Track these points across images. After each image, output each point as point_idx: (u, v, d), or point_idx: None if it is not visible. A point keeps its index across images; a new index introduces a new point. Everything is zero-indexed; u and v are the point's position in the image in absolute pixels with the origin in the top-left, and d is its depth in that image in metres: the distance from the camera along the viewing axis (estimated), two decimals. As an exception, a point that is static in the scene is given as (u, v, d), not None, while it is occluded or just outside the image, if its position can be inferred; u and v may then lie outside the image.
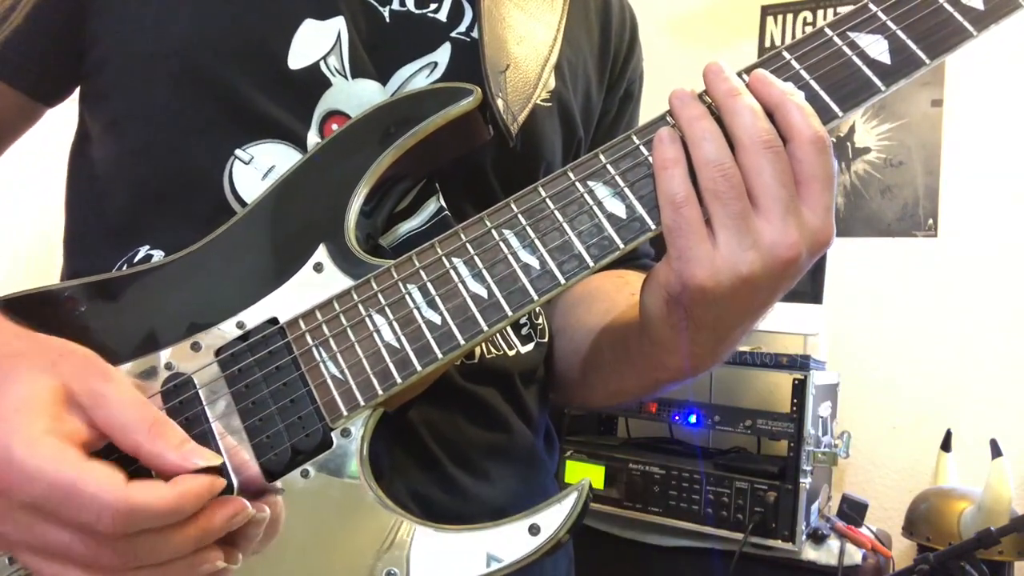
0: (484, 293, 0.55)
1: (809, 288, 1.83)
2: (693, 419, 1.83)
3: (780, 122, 0.53)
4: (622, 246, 0.54)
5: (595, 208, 0.55)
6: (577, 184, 0.56)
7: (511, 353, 0.73)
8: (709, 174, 0.53)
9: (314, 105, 0.64)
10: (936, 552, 1.50)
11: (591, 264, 0.54)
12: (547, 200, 0.56)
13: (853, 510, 1.75)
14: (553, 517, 0.52)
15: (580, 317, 0.78)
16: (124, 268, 0.64)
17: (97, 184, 0.68)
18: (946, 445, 1.98)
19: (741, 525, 1.67)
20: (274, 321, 0.57)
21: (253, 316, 0.57)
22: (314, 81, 0.64)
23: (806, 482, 1.66)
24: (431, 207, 0.66)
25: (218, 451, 0.53)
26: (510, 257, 0.55)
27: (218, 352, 0.56)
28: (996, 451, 1.74)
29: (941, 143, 2.16)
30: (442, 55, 0.67)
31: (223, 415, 0.54)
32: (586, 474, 1.85)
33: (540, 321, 0.78)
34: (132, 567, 0.45)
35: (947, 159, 2.16)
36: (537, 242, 0.55)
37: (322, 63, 0.64)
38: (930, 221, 2.16)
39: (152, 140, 0.65)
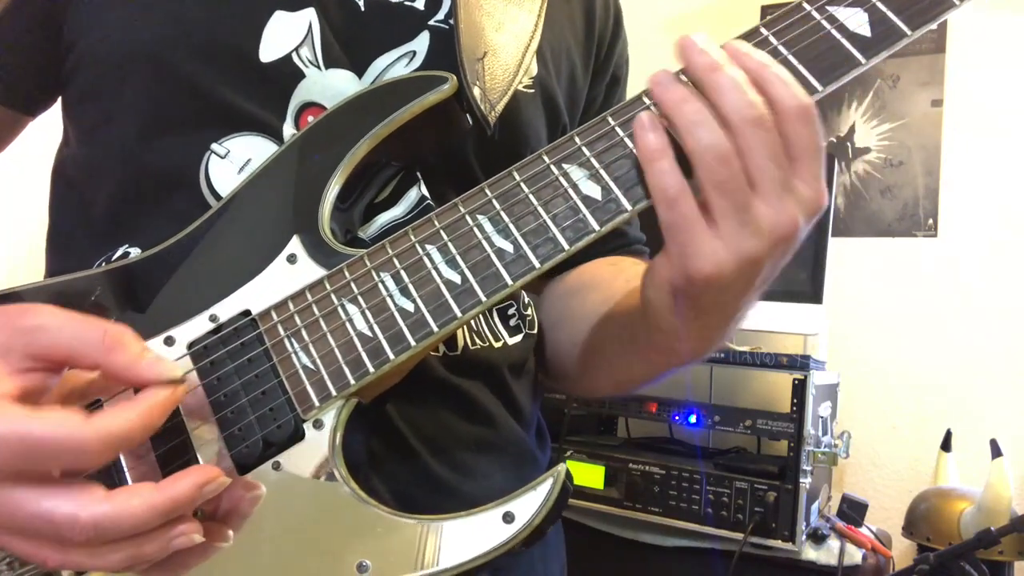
0: (457, 279, 0.54)
1: (809, 288, 1.83)
2: (693, 419, 1.83)
3: (762, 96, 0.51)
4: (598, 228, 0.53)
5: (570, 191, 0.54)
6: (552, 167, 0.55)
7: (497, 345, 0.71)
8: (708, 164, 0.50)
9: (288, 97, 0.63)
10: (936, 552, 1.50)
11: (566, 247, 0.53)
12: (521, 184, 0.55)
13: (853, 510, 1.75)
14: (528, 504, 0.51)
15: (576, 308, 0.77)
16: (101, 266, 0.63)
17: (79, 187, 0.69)
18: (946, 445, 1.98)
19: (741, 525, 1.67)
20: (247, 313, 0.56)
21: (226, 309, 0.57)
22: (287, 73, 0.63)
23: (806, 482, 1.65)
24: (412, 196, 0.65)
25: (190, 445, 0.53)
26: (484, 242, 0.54)
27: (191, 345, 0.56)
28: (996, 451, 1.74)
29: (941, 143, 2.16)
30: (420, 44, 0.66)
31: (195, 408, 0.54)
32: (586, 474, 1.84)
33: (529, 312, 0.77)
34: (101, 542, 0.43)
35: (947, 159, 2.15)
36: (511, 226, 0.54)
37: (294, 55, 0.63)
38: (930, 221, 2.16)
39: (129, 141, 0.65)
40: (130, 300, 0.59)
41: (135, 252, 0.63)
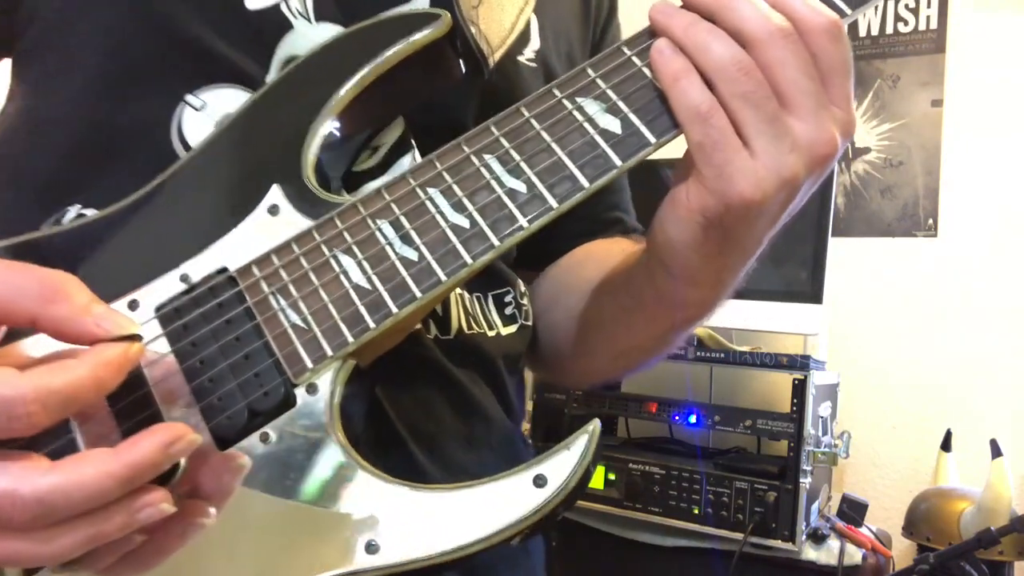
0: (466, 223, 0.49)
1: (809, 288, 1.83)
2: (693, 419, 1.83)
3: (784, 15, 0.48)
4: (619, 163, 0.49)
5: (586, 125, 0.50)
6: (564, 101, 0.51)
7: (491, 334, 0.67)
8: (730, 76, 0.47)
9: (273, 48, 0.58)
10: (936, 552, 1.50)
11: (586, 184, 0.49)
12: (531, 120, 0.51)
13: (853, 510, 1.75)
14: (562, 465, 0.46)
15: (572, 282, 0.72)
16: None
17: (17, 146, 0.62)
18: (946, 445, 1.98)
19: (741, 525, 1.67)
20: (224, 271, 0.51)
21: (199, 267, 0.51)
22: (274, 22, 0.58)
23: (806, 482, 1.65)
24: (406, 164, 0.60)
25: (160, 419, 0.46)
26: (493, 183, 0.50)
27: (159, 308, 0.50)
28: (996, 451, 1.74)
29: (941, 143, 2.16)
30: (420, 1, 0.61)
31: (164, 377, 0.47)
32: (586, 474, 1.84)
33: (526, 302, 0.72)
34: (49, 522, 0.36)
35: (947, 159, 2.15)
36: (523, 165, 0.50)
37: (283, 4, 0.59)
38: (930, 221, 2.16)
39: (88, 90, 0.59)
40: (87, 262, 0.52)
41: (90, 213, 0.56)
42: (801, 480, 1.65)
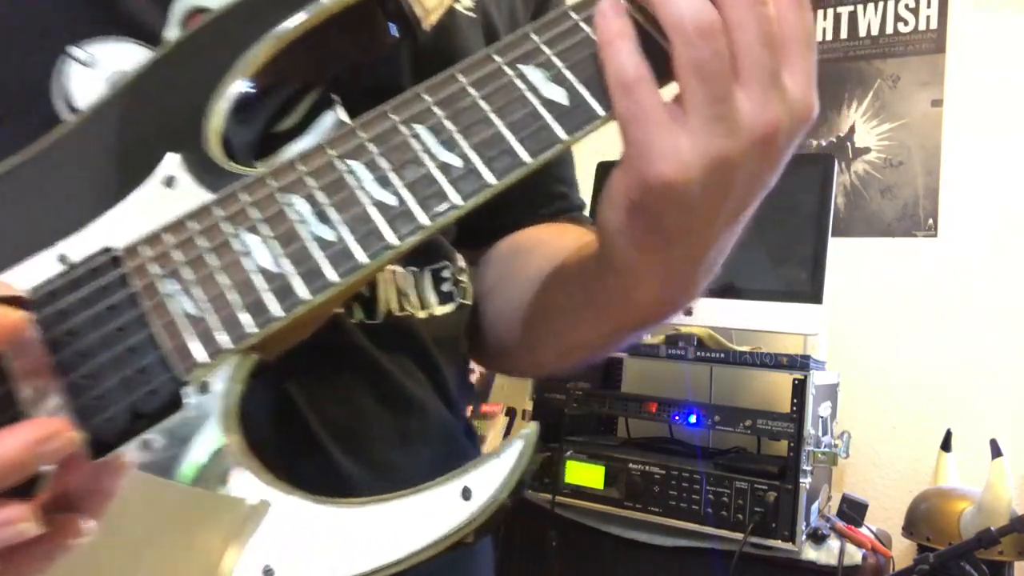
0: (392, 200, 0.44)
1: (809, 288, 1.83)
2: (693, 419, 1.83)
3: None
4: (565, 137, 0.44)
5: (529, 95, 0.45)
6: (505, 68, 0.45)
7: (423, 315, 0.61)
8: (689, 37, 0.41)
9: None
10: (936, 552, 1.50)
11: (527, 160, 0.44)
12: (468, 88, 0.45)
13: (853, 510, 1.75)
14: (491, 475, 0.41)
15: (518, 268, 0.66)
16: None
17: None
18: (946, 445, 1.98)
19: (741, 525, 1.67)
20: (108, 251, 0.45)
21: (80, 246, 0.45)
22: None
23: (806, 482, 1.65)
24: (328, 122, 0.52)
25: (22, 418, 0.40)
26: (424, 156, 0.44)
27: (34, 292, 0.44)
28: (996, 451, 1.74)
29: (941, 143, 2.16)
30: None
31: (32, 371, 0.41)
32: (586, 474, 1.84)
33: (464, 280, 0.66)
34: None
35: (947, 159, 2.15)
36: (458, 136, 0.45)
37: None
38: (930, 221, 2.16)
39: None
40: None
41: None
42: (801, 480, 1.65)
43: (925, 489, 1.92)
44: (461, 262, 0.67)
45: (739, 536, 1.66)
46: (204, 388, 0.43)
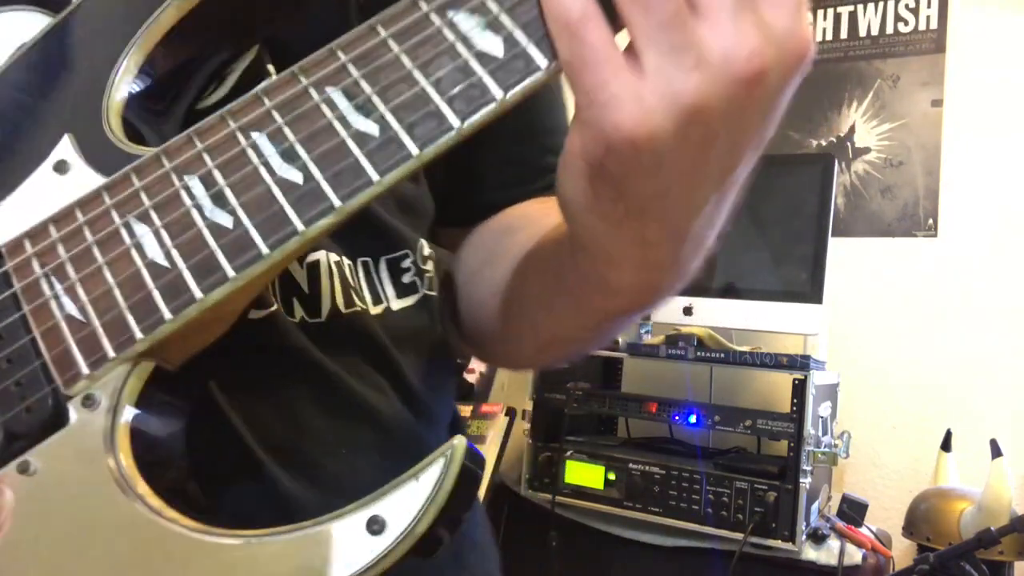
0: (298, 177, 0.38)
1: (809, 288, 1.83)
2: (693, 419, 1.83)
3: None
4: (500, 95, 0.37)
5: (459, 45, 0.37)
6: (432, 15, 0.38)
7: (376, 310, 0.55)
8: None
9: None
10: (936, 552, 1.50)
11: (456, 124, 0.37)
12: (388, 41, 0.38)
13: (853, 510, 1.75)
14: (406, 502, 0.34)
15: (499, 251, 0.59)
16: None
17: None
18: (946, 445, 1.98)
19: (741, 525, 1.67)
20: None
21: None
22: None
23: (806, 482, 1.65)
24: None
25: None
26: (337, 123, 0.38)
27: None
28: (996, 451, 1.74)
29: (941, 143, 2.16)
30: None
31: None
32: (586, 474, 1.84)
33: (429, 268, 0.59)
34: None
35: (947, 159, 2.15)
36: (375, 99, 0.38)
37: None
38: (930, 221, 2.16)
39: None
40: None
41: None
42: (801, 480, 1.65)
43: (925, 489, 1.92)
44: (426, 249, 0.60)
45: (739, 536, 1.66)
46: (89, 402, 0.37)
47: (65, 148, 0.42)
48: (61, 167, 0.42)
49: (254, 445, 0.48)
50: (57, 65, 0.44)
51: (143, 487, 0.36)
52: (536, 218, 0.58)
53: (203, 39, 0.45)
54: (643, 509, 1.78)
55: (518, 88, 0.37)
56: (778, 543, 1.65)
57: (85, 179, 0.41)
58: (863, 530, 1.76)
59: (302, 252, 0.41)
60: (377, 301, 0.55)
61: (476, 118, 0.37)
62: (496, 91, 0.37)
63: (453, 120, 0.37)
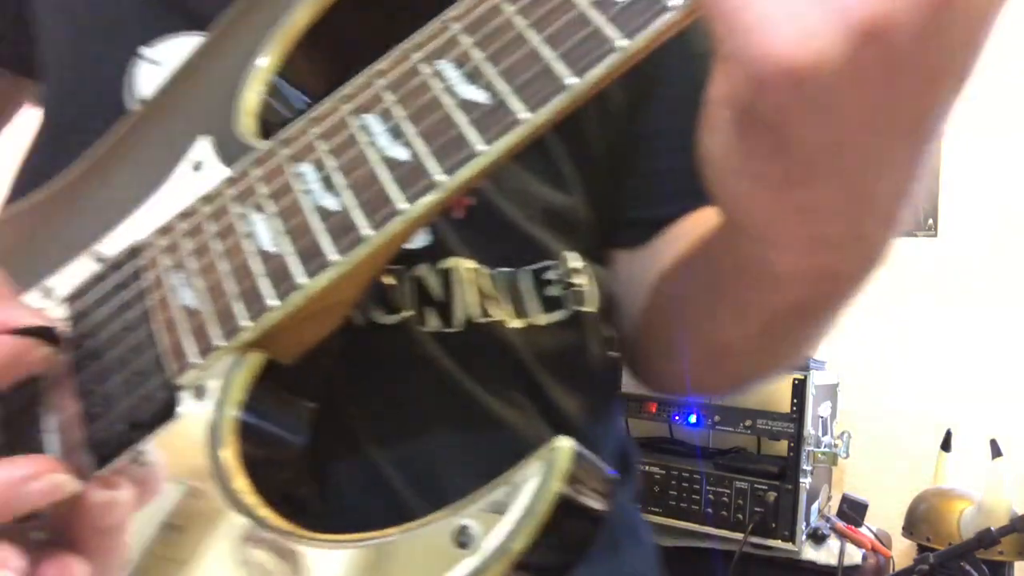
0: (403, 154, 0.35)
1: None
2: (693, 419, 1.83)
3: None
4: (623, 43, 0.31)
5: None
6: None
7: (516, 324, 0.49)
8: None
9: None
10: (936, 552, 1.50)
11: (570, 80, 0.32)
12: (500, 4, 0.35)
13: (853, 510, 1.75)
14: (500, 514, 0.29)
15: (663, 260, 0.53)
16: None
17: (26, 165, 0.56)
18: (946, 445, 1.98)
19: (741, 525, 1.67)
20: (132, 245, 0.42)
21: (115, 242, 0.42)
22: None
23: (806, 482, 1.65)
24: None
25: (36, 426, 0.38)
26: (444, 95, 0.35)
27: (69, 295, 0.42)
28: (996, 451, 1.74)
29: (941, 143, 2.16)
30: None
31: (57, 378, 0.38)
32: (586, 474, 1.84)
33: (579, 282, 0.52)
34: None
35: (947, 159, 2.15)
36: (484, 65, 0.34)
37: None
38: (930, 221, 2.16)
39: (57, 65, 0.53)
40: (14, 253, 0.45)
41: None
42: (801, 480, 1.65)
43: (925, 489, 1.92)
44: (574, 261, 0.53)
45: (739, 536, 1.66)
46: (200, 393, 0.36)
47: (202, 148, 0.42)
48: (197, 166, 0.42)
49: (376, 456, 0.45)
50: (201, 75, 0.45)
51: (240, 483, 0.34)
52: (705, 220, 0.50)
53: (337, 38, 0.44)
54: (643, 509, 1.77)
55: (643, 33, 0.31)
56: (778, 543, 1.65)
57: (216, 175, 0.41)
58: (863, 530, 1.76)
59: (408, 235, 0.38)
60: (520, 315, 0.50)
61: (595, 72, 0.32)
62: (617, 37, 0.32)
63: (567, 77, 0.32)
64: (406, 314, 0.46)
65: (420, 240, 0.47)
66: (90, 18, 0.51)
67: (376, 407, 0.45)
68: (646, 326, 0.55)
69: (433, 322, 0.48)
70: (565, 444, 0.29)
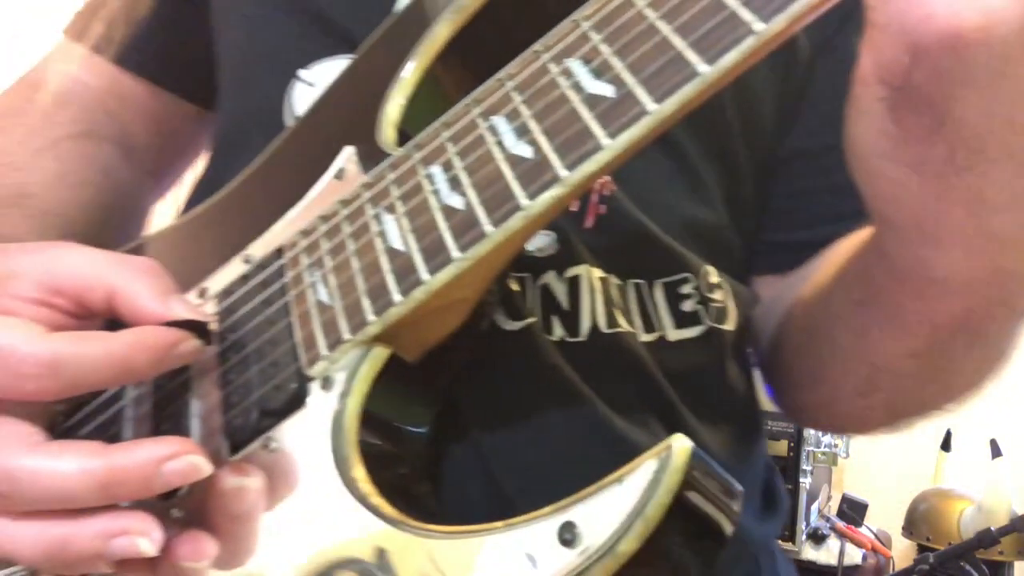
0: (527, 151, 0.35)
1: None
2: (693, 419, 1.83)
3: None
4: (759, 26, 0.29)
5: None
6: None
7: (648, 337, 0.47)
8: None
9: (390, 7, 0.48)
10: (936, 552, 1.50)
11: (701, 68, 0.31)
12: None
13: (853, 510, 1.76)
14: (604, 512, 0.28)
15: (812, 282, 0.50)
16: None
17: (200, 180, 0.60)
18: (946, 445, 1.98)
19: (741, 525, 1.67)
20: (278, 247, 0.45)
21: (263, 245, 0.45)
22: None
23: (806, 482, 1.66)
24: None
25: (185, 412, 0.40)
26: (570, 91, 0.35)
27: (220, 293, 0.44)
28: (996, 451, 1.75)
29: None
30: None
31: (204, 367, 0.41)
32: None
33: (718, 297, 0.50)
34: (13, 503, 0.32)
35: None
36: (612, 59, 0.34)
37: None
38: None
39: (226, 88, 0.56)
40: (181, 255, 0.49)
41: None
42: (801, 480, 1.65)
43: (925, 489, 1.92)
44: (713, 276, 0.51)
45: (739, 536, 1.66)
46: (327, 384, 0.38)
47: (345, 157, 0.44)
48: (340, 174, 0.44)
49: (492, 461, 0.44)
50: (349, 91, 0.47)
51: (359, 472, 0.36)
52: (855, 240, 0.47)
53: (476, 48, 0.45)
54: (643, 509, 1.78)
55: (781, 16, 0.29)
56: (778, 543, 1.65)
57: (356, 181, 0.43)
58: (863, 530, 1.76)
59: (529, 233, 0.38)
60: (650, 328, 0.48)
61: (728, 58, 0.30)
62: (754, 22, 0.29)
63: (698, 64, 0.31)
64: (530, 321, 0.45)
65: (548, 248, 0.47)
66: (254, 44, 0.54)
67: (494, 411, 0.45)
68: (788, 355, 0.52)
69: (558, 330, 0.47)
70: (682, 443, 0.27)
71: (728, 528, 0.28)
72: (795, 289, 0.52)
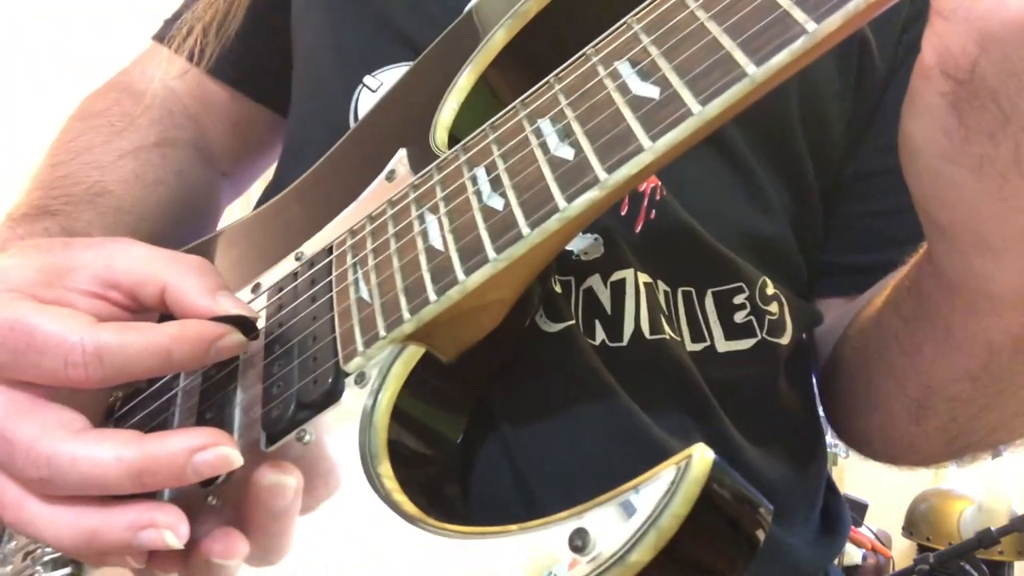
0: (569, 153, 0.35)
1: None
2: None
3: None
4: (811, 26, 0.29)
5: None
6: None
7: (695, 347, 0.46)
8: None
9: (456, 15, 0.48)
10: (936, 552, 1.50)
11: (749, 68, 0.30)
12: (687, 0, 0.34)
13: (853, 510, 1.76)
14: (616, 520, 0.27)
15: (872, 305, 0.48)
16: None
17: (272, 182, 0.61)
18: (946, 445, 1.98)
19: (742, 525, 1.67)
20: (328, 245, 0.45)
21: (315, 243, 0.46)
22: None
23: (806, 482, 1.66)
24: None
25: (230, 401, 0.42)
26: (615, 93, 0.34)
27: (273, 290, 0.46)
28: (996, 451, 1.75)
29: None
30: None
31: (250, 360, 0.42)
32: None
33: (773, 310, 0.48)
34: (50, 489, 0.33)
35: None
36: (660, 60, 0.33)
37: None
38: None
39: (297, 92, 0.58)
40: (237, 254, 0.50)
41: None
42: (801, 480, 1.65)
43: (925, 489, 1.93)
44: (770, 288, 0.49)
45: (740, 536, 1.66)
46: (361, 380, 0.38)
47: (398, 159, 0.45)
48: (391, 175, 0.45)
49: (523, 462, 0.44)
50: (407, 95, 0.48)
51: (385, 468, 0.36)
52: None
53: (533, 55, 0.44)
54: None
55: (836, 16, 0.29)
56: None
57: (404, 182, 0.44)
58: (863, 530, 1.76)
59: (566, 236, 0.37)
60: (698, 338, 0.47)
61: (777, 59, 0.29)
62: (807, 22, 0.29)
63: (746, 65, 0.30)
64: (570, 323, 0.45)
65: (593, 251, 0.47)
66: (323, 49, 0.56)
67: (528, 412, 0.44)
68: (843, 379, 0.51)
69: (599, 334, 0.46)
70: (704, 452, 0.26)
71: (752, 545, 0.27)
72: (854, 311, 0.50)
